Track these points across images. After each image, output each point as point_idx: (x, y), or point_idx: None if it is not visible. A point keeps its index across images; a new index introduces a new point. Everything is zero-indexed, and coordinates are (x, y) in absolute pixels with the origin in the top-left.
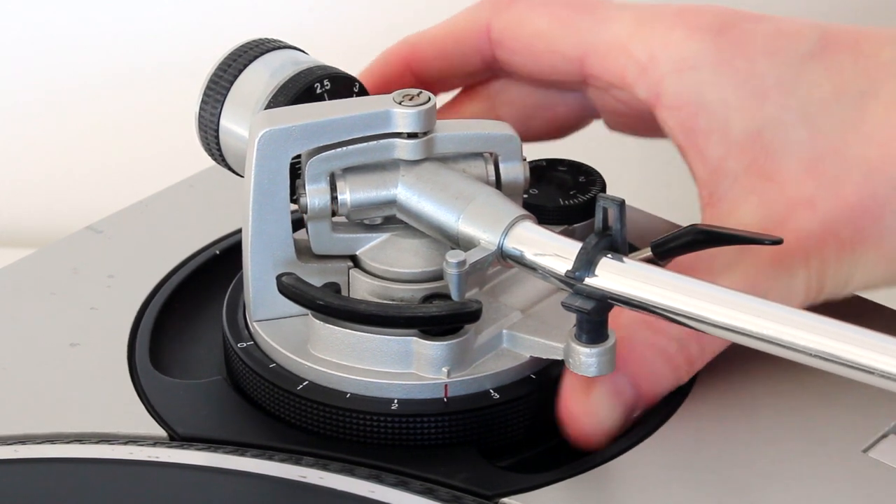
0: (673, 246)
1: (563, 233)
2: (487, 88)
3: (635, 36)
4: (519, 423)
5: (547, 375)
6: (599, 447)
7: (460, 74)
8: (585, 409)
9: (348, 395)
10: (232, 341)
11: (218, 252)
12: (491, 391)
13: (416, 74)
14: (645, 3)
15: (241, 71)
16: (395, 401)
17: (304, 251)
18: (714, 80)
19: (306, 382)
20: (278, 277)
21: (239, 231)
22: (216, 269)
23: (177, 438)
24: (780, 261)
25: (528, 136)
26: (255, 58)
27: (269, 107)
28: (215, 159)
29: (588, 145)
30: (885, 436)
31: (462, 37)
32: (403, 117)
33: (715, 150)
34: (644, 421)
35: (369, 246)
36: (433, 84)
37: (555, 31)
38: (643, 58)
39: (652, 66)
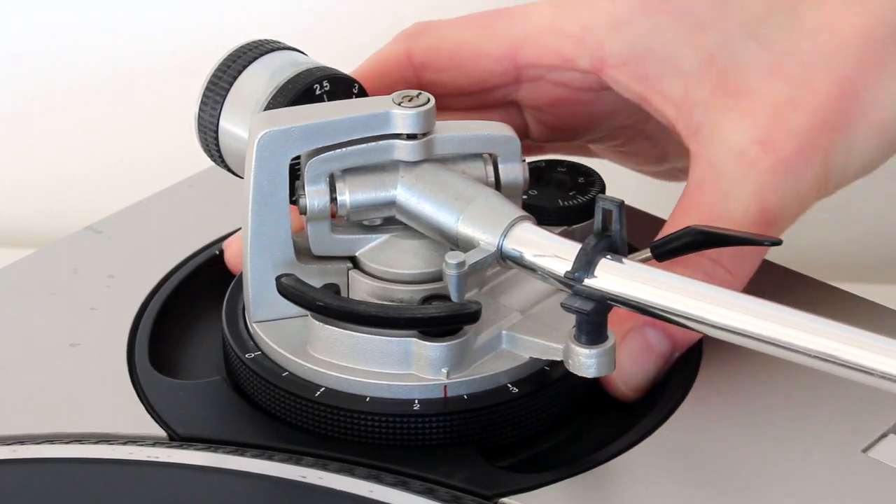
0: (672, 247)
1: (562, 234)
2: None
3: (560, 14)
4: (519, 424)
5: (547, 376)
6: (636, 398)
7: None
8: (624, 365)
9: (349, 397)
10: (231, 342)
11: (218, 252)
12: (491, 391)
13: None
14: None
15: (240, 72)
16: (395, 401)
17: (303, 252)
18: (652, 27)
19: (306, 384)
20: (278, 278)
21: (239, 231)
22: (216, 269)
23: (176, 438)
24: (786, 166)
25: None
26: (255, 59)
27: (268, 108)
28: (215, 160)
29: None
30: (884, 436)
31: (385, 71)
32: (403, 118)
33: (674, 85)
34: (644, 420)
35: (369, 247)
36: None
37: (478, 37)
38: (575, 29)
39: (586, 34)
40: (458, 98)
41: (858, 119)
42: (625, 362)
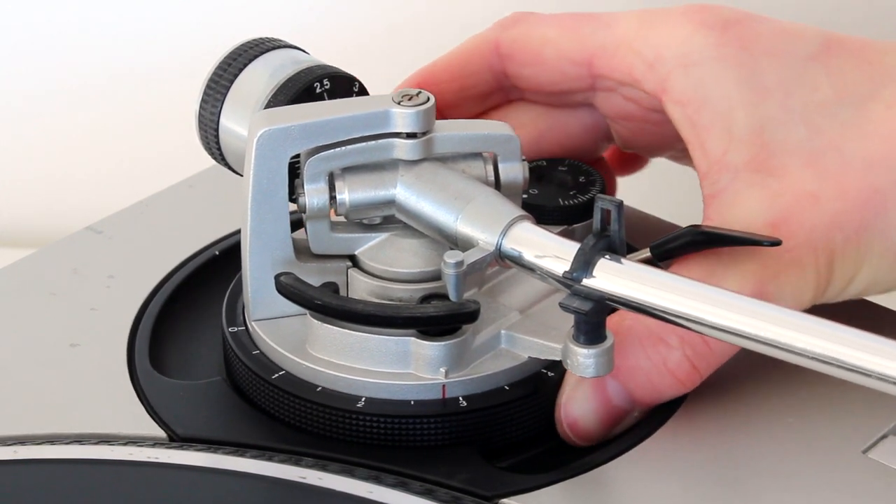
0: (672, 247)
1: (562, 233)
2: (500, 113)
3: (641, 34)
4: (518, 424)
5: (547, 376)
6: (589, 444)
7: (474, 96)
8: (575, 411)
9: (351, 398)
10: (231, 342)
11: (218, 252)
12: (491, 391)
13: None
14: (648, 7)
15: (241, 70)
16: (394, 402)
17: (302, 251)
18: (717, 76)
19: (304, 383)
20: (277, 277)
21: (239, 231)
22: (216, 269)
23: (176, 439)
24: (790, 255)
25: (542, 157)
26: (255, 57)
27: (268, 106)
28: (215, 158)
29: None
30: (884, 436)
31: (473, 57)
32: (403, 117)
33: (716, 143)
34: (644, 421)
35: (368, 246)
36: (449, 109)
37: (562, 37)
38: (650, 55)
39: (658, 62)
40: (539, 94)
41: (877, 235)
42: (577, 409)
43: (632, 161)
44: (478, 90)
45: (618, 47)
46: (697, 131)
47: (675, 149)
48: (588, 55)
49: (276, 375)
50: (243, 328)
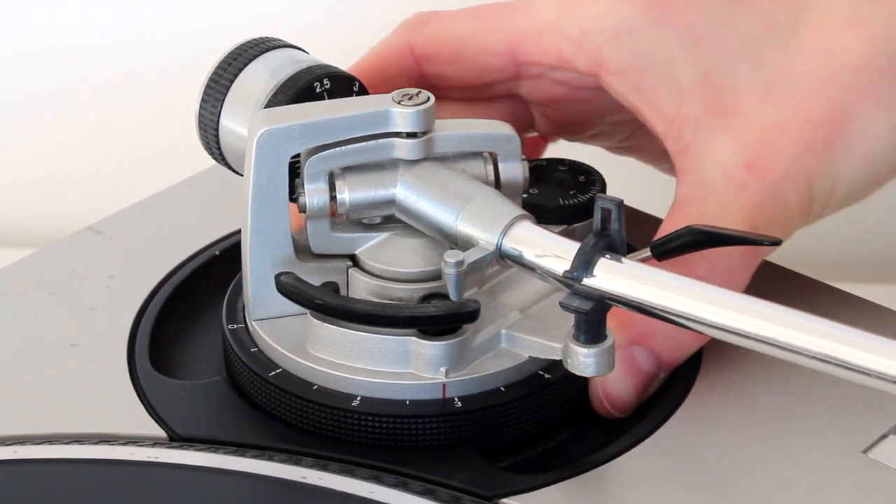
0: (671, 246)
1: (562, 233)
2: None
3: (562, 14)
4: (519, 424)
5: (546, 376)
6: (623, 415)
7: None
8: (609, 384)
9: (348, 397)
10: (231, 341)
11: (218, 252)
12: (491, 391)
13: None
14: None
15: (241, 70)
16: (394, 401)
17: (303, 250)
18: (651, 38)
19: (304, 383)
20: (277, 276)
21: (239, 232)
22: (216, 269)
23: (176, 439)
24: (771, 189)
25: None
26: (256, 56)
27: (268, 105)
28: (215, 158)
29: (589, 146)
30: (885, 436)
31: (386, 63)
32: (403, 117)
33: (668, 101)
34: (644, 421)
35: (368, 245)
36: None
37: (480, 31)
38: (575, 33)
39: (586, 38)
40: (461, 90)
41: (845, 147)
42: (610, 381)
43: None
44: None
45: (541, 32)
46: (645, 95)
47: (602, 124)
48: (510, 44)
49: (276, 374)
50: (243, 327)
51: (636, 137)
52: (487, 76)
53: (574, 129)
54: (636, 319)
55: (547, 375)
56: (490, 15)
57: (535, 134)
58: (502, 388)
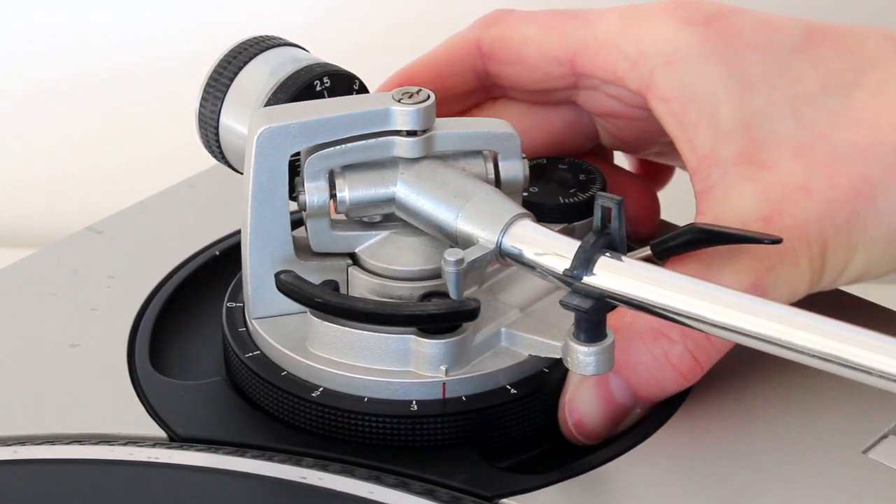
0: (672, 245)
1: (562, 231)
2: (482, 111)
3: (623, 32)
4: (519, 423)
5: (547, 375)
6: (590, 443)
7: (455, 95)
8: (580, 409)
9: (348, 397)
10: (232, 342)
11: (218, 252)
12: (491, 391)
13: None
14: (630, 4)
15: (241, 68)
16: (395, 402)
17: (302, 249)
18: (703, 72)
19: (305, 383)
20: (277, 275)
21: (239, 232)
22: (216, 269)
23: (176, 439)
24: (784, 248)
25: (526, 155)
26: (256, 55)
27: (268, 104)
28: (215, 156)
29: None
30: (885, 436)
31: (454, 57)
32: (403, 115)
33: (704, 139)
34: (644, 422)
35: (368, 244)
36: None
37: (544, 36)
38: (632, 52)
39: (641, 59)
40: (523, 93)
41: (870, 222)
42: (581, 404)
43: (661, 172)
44: (459, 90)
45: (601, 46)
46: (684, 127)
47: (660, 143)
48: (571, 53)
49: (275, 374)
50: (243, 327)
51: None
52: (547, 82)
53: (633, 146)
54: (620, 349)
55: (548, 374)
56: (557, 22)
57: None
58: (503, 388)
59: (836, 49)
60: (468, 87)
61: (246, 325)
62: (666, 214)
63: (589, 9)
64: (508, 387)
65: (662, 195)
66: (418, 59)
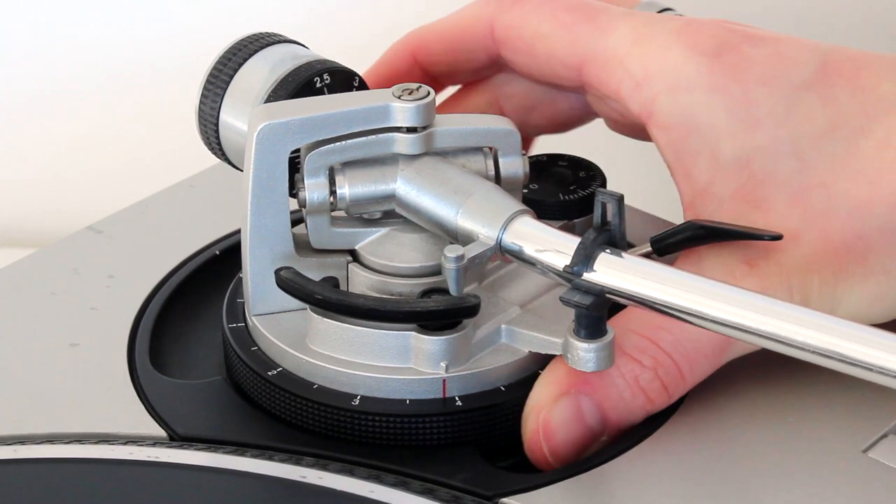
0: (672, 241)
1: (562, 228)
2: (490, 81)
3: (633, 50)
4: (519, 422)
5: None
6: (553, 467)
7: (467, 69)
8: (545, 425)
9: (348, 395)
10: (231, 341)
11: (218, 252)
12: (491, 391)
13: (423, 68)
14: (647, 14)
15: (241, 65)
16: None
17: (302, 245)
18: (706, 104)
19: (304, 381)
20: (277, 272)
21: (239, 231)
22: (216, 269)
23: (176, 439)
24: (764, 288)
25: (529, 129)
26: (255, 52)
27: (268, 101)
28: (215, 153)
29: (589, 142)
30: (884, 436)
31: (467, 33)
32: (402, 111)
33: (702, 172)
34: (644, 421)
35: (368, 240)
36: (441, 78)
37: (555, 35)
38: (638, 74)
39: (646, 83)
40: (532, 79)
41: (856, 280)
42: (552, 425)
43: None
44: (471, 65)
45: (608, 60)
46: (682, 158)
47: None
48: (578, 61)
49: (275, 373)
50: (243, 324)
51: None
52: (553, 79)
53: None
54: (585, 375)
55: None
56: (571, 21)
57: None
58: (503, 386)
59: (849, 88)
60: (479, 64)
61: (246, 323)
62: (666, 214)
63: (605, 8)
64: (508, 385)
65: (662, 194)
66: (431, 28)
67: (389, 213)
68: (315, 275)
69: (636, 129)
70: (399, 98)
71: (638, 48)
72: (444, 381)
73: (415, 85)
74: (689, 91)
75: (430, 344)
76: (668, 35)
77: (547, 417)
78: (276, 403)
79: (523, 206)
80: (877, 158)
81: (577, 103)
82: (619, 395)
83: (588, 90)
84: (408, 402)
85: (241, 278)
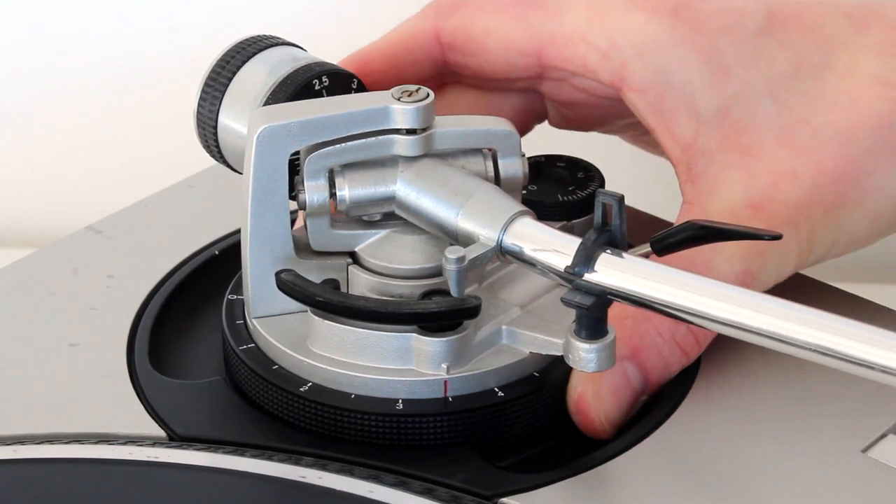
0: (672, 241)
1: (562, 229)
2: (437, 97)
3: (592, 23)
4: (520, 422)
5: (547, 374)
6: (608, 435)
7: (412, 83)
8: (595, 399)
9: (350, 395)
10: (231, 341)
11: (218, 252)
12: (492, 390)
13: (368, 86)
14: None
15: (239, 67)
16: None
17: (303, 248)
18: (677, 60)
19: (305, 381)
20: (277, 274)
21: (239, 231)
22: (215, 269)
23: (176, 439)
24: (772, 227)
25: None
26: (254, 54)
27: (267, 103)
28: (214, 156)
29: (588, 142)
30: (884, 436)
31: (412, 45)
32: (402, 113)
33: (685, 128)
34: (643, 421)
35: (368, 242)
36: None
37: (507, 27)
38: (603, 44)
39: (613, 51)
40: (482, 81)
41: (855, 204)
42: (606, 395)
43: None
44: (414, 78)
45: (569, 38)
46: (662, 116)
47: (616, 124)
48: (537, 46)
49: (275, 372)
50: (243, 325)
51: (647, 135)
52: (510, 73)
53: (588, 127)
54: (632, 335)
55: (548, 373)
56: (520, 13)
57: None
58: (504, 387)
59: (799, 30)
60: (423, 76)
61: (246, 325)
62: (666, 213)
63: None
64: (508, 385)
65: (662, 194)
66: (373, 45)
67: (389, 215)
68: (315, 277)
69: (591, 112)
70: (398, 100)
71: (597, 21)
72: (445, 382)
73: (414, 87)
74: (658, 51)
75: (430, 345)
76: (623, 4)
77: (598, 386)
78: (276, 404)
79: (523, 208)
80: (845, 89)
81: (523, 105)
82: (658, 353)
83: (548, 74)
84: (408, 402)
85: (241, 278)
